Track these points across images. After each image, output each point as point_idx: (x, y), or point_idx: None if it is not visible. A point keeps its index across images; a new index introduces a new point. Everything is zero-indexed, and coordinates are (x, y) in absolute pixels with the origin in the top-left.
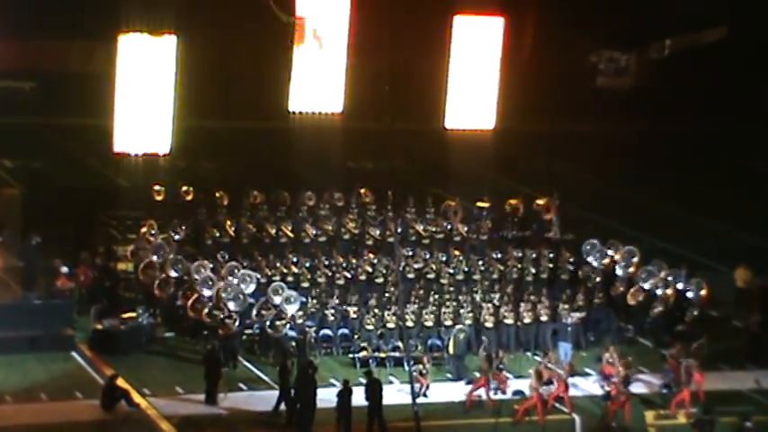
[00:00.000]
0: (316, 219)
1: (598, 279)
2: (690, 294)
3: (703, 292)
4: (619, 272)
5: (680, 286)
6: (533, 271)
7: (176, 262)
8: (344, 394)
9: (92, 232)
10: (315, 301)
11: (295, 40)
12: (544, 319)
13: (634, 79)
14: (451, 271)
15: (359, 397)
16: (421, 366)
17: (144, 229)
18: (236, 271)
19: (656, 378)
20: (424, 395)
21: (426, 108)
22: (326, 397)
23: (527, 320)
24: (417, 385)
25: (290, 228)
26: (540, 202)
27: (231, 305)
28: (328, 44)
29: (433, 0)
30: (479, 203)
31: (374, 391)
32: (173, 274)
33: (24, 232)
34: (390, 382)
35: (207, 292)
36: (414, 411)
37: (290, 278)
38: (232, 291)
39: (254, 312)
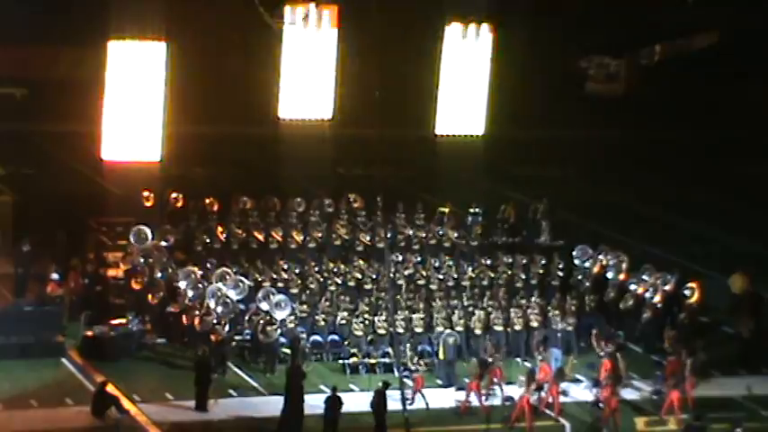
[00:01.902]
0: (306, 225)
1: (588, 284)
2: (680, 299)
3: (695, 298)
4: (610, 277)
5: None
6: (523, 277)
7: (166, 268)
8: (333, 401)
9: (82, 239)
10: (305, 307)
11: (283, 45)
12: (534, 325)
13: (624, 85)
14: (441, 277)
15: (352, 405)
16: (412, 367)
17: (134, 236)
18: (227, 277)
19: (647, 384)
20: (422, 396)
21: (416, 114)
22: (316, 403)
23: (517, 327)
24: (413, 386)
25: (280, 234)
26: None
27: (219, 310)
28: (317, 50)
29: (423, 7)
30: (471, 209)
31: (379, 402)
32: (163, 280)
33: (15, 239)
34: None
35: (196, 298)
36: (404, 418)
37: (280, 284)
38: (220, 296)
39: (246, 318)
